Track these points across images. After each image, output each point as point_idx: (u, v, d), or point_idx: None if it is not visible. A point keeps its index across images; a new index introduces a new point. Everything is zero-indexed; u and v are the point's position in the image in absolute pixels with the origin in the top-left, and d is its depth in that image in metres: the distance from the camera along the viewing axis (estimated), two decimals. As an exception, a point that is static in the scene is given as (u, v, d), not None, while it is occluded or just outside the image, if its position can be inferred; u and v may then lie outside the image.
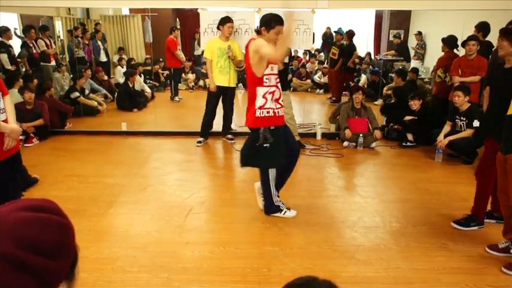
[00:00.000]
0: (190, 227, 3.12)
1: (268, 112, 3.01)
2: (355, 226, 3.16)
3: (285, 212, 3.27)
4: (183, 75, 8.78)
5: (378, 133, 5.27)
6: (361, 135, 5.23)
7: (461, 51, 5.15)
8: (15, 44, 6.48)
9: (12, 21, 6.88)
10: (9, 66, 5.85)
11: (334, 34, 8.62)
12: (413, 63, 8.24)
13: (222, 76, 4.99)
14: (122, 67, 8.09)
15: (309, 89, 9.13)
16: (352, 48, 7.59)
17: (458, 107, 4.57)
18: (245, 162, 3.23)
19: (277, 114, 3.04)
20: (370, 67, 9.15)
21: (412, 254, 2.77)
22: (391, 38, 9.10)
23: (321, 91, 8.98)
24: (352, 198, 3.74)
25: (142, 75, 8.04)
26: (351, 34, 7.56)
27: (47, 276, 0.64)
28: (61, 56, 7.77)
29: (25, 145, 5.02)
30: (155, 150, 5.08)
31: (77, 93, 6.51)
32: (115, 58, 8.42)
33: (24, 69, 6.43)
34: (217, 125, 5.45)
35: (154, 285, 2.41)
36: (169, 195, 3.71)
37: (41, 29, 6.79)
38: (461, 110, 4.58)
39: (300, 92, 8.84)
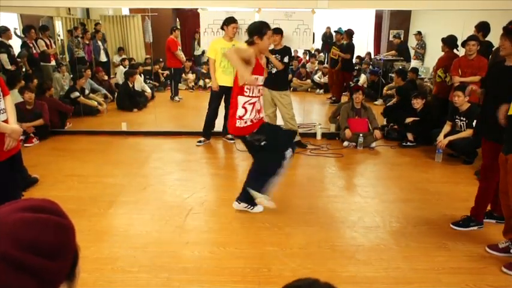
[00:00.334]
0: (190, 227, 3.12)
1: (246, 123, 3.00)
2: (355, 226, 3.16)
3: (253, 207, 3.27)
4: (183, 75, 8.79)
5: (377, 133, 5.27)
6: (361, 135, 5.23)
7: (461, 51, 5.15)
8: (15, 44, 6.48)
9: (12, 21, 6.89)
10: (9, 66, 5.85)
11: (334, 34, 8.62)
12: (413, 63, 8.24)
13: (225, 76, 4.99)
14: (125, 67, 8.08)
15: (309, 89, 9.13)
16: (351, 47, 7.59)
17: (458, 107, 4.58)
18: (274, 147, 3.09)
19: (254, 121, 3.03)
20: (370, 67, 9.16)
21: (412, 254, 2.77)
22: (391, 38, 9.10)
23: (321, 91, 8.98)
24: (352, 198, 3.74)
25: (142, 75, 8.05)
26: (350, 33, 7.56)
27: (47, 277, 0.64)
28: (61, 56, 7.77)
29: (25, 145, 5.02)
30: (155, 150, 5.08)
31: (77, 93, 6.51)
32: (116, 58, 8.42)
33: (24, 69, 6.43)
34: (218, 125, 5.45)
35: (154, 285, 2.41)
36: (169, 195, 3.71)
37: (41, 29, 6.79)
38: (461, 110, 4.59)
39: (300, 92, 8.84)
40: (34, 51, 6.55)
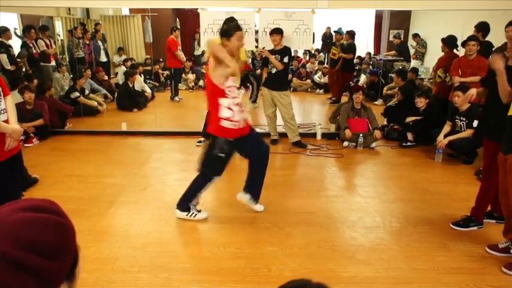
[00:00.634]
0: (190, 227, 3.12)
1: (234, 125, 2.96)
2: (355, 226, 3.16)
3: (195, 214, 3.21)
4: (183, 75, 8.79)
5: (378, 133, 5.27)
6: (361, 135, 5.23)
7: (461, 51, 5.15)
8: (15, 44, 6.48)
9: (12, 21, 6.88)
10: (8, 67, 5.84)
11: (334, 34, 8.62)
12: (413, 63, 8.25)
13: None
14: (127, 68, 8.06)
15: (309, 89, 9.13)
16: (353, 47, 7.59)
17: (458, 107, 4.57)
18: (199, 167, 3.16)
19: (239, 127, 3.00)
20: (370, 67, 9.16)
21: (412, 254, 2.77)
22: (391, 38, 9.10)
23: (321, 91, 8.98)
24: (352, 198, 3.75)
25: (142, 75, 8.05)
26: (351, 34, 7.56)
27: (47, 277, 0.64)
28: (61, 56, 7.77)
29: (25, 145, 5.02)
30: (155, 150, 5.08)
31: (77, 93, 6.51)
32: (116, 58, 8.42)
33: (24, 70, 6.43)
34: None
35: (154, 285, 2.41)
36: (169, 195, 3.71)
37: (41, 29, 6.79)
38: (461, 110, 4.58)
39: (300, 92, 8.84)
40: (34, 51, 6.55)
